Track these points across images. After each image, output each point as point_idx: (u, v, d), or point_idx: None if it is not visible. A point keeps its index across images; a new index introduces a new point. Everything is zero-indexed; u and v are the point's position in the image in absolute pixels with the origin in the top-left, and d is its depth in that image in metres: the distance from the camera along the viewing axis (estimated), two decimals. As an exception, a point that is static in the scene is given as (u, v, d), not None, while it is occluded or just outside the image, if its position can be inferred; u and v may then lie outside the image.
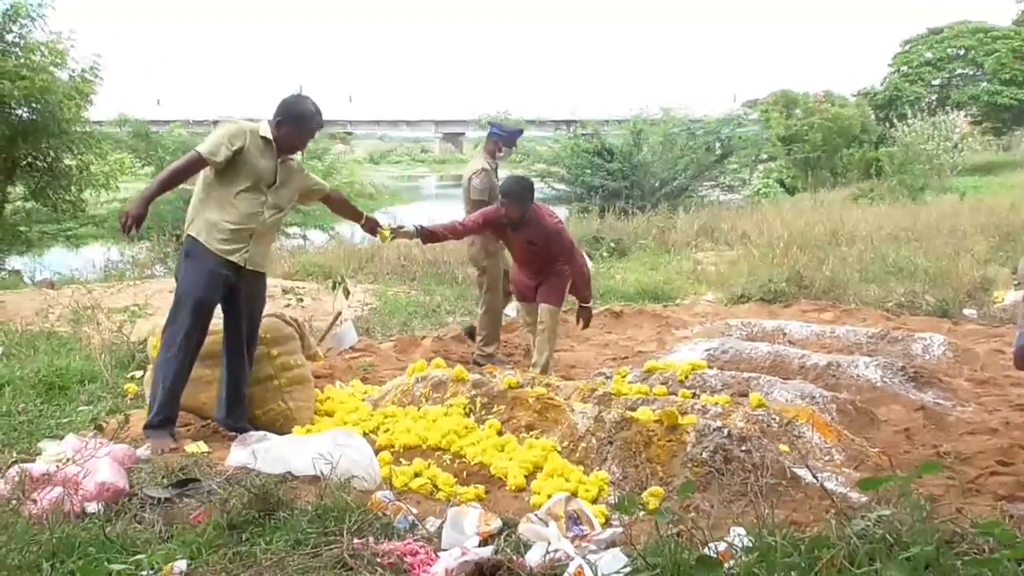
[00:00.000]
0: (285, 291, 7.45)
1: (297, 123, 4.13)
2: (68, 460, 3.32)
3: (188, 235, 4.10)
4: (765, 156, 24.82)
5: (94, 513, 3.06)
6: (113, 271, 10.73)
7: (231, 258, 4.04)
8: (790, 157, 25.86)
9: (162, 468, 3.54)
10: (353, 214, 4.71)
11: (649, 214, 15.01)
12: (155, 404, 4.01)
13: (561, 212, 19.10)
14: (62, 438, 3.83)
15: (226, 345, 4.18)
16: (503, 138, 6.19)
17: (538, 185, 21.41)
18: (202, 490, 3.31)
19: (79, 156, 15.12)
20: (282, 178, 4.15)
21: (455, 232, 5.26)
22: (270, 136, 4.09)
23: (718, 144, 21.34)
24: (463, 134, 59.51)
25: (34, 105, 13.72)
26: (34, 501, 3.01)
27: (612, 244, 12.10)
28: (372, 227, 4.72)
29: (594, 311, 7.66)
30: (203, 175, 4.10)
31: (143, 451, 3.79)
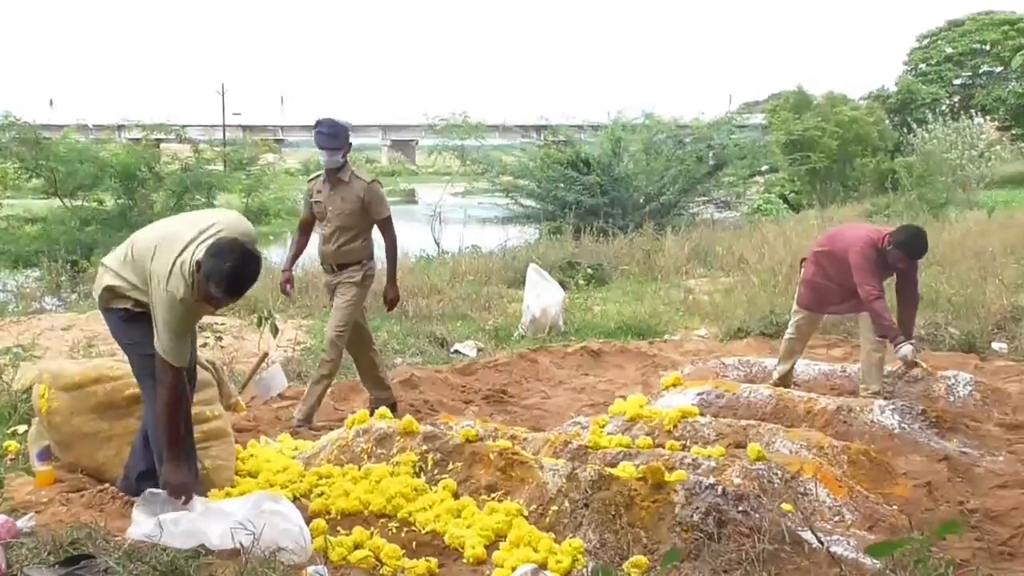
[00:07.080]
0: (201, 328, 7.36)
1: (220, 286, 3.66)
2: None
3: None
4: (765, 167, 25.08)
5: (-37, 599, 3.00)
6: (-8, 305, 10.52)
7: None
8: (795, 168, 26.20)
9: (48, 543, 3.47)
10: None
11: (632, 235, 15.13)
12: None
13: (530, 233, 19.36)
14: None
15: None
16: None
17: (503, 202, 21.61)
18: (97, 569, 3.26)
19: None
20: None
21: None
22: None
23: (711, 153, 21.60)
24: (415, 141, 59.67)
25: None
26: None
27: (589, 271, 12.14)
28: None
29: (569, 349, 7.77)
30: None
31: (25, 522, 3.72)
